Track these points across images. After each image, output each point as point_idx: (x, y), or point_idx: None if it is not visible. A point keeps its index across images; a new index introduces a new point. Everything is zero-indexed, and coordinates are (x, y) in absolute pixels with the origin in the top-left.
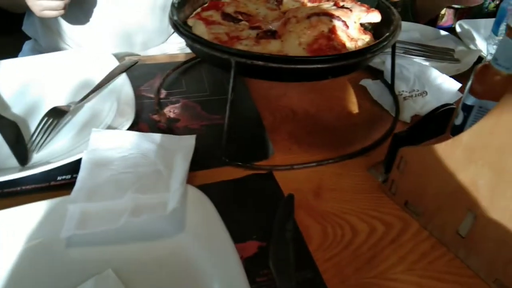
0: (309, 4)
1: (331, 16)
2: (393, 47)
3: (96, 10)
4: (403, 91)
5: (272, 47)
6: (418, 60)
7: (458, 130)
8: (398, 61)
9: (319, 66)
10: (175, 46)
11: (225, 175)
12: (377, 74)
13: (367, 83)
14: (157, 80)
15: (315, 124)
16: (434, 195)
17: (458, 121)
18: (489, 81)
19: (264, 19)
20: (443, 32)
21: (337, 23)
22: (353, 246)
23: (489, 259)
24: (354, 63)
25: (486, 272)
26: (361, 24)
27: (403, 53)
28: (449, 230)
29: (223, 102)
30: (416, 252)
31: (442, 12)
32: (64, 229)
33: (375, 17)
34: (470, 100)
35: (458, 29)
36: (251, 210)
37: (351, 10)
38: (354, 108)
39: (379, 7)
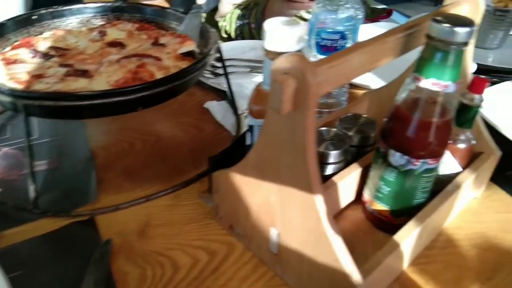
0: (136, 33)
1: (141, 56)
2: (224, 69)
3: None
4: (246, 109)
5: (78, 84)
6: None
7: (249, 150)
8: (238, 80)
9: (118, 99)
10: None
11: (40, 229)
12: (223, 95)
13: (211, 105)
14: None
15: (153, 155)
16: (246, 216)
17: (248, 141)
18: (261, 101)
19: (84, 52)
20: None
21: (147, 60)
22: (172, 284)
23: (297, 273)
24: (163, 91)
25: (298, 286)
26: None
27: (250, 71)
28: (264, 249)
29: (52, 145)
30: (237, 277)
31: None
32: None
33: (190, 46)
34: (251, 121)
35: None
36: (64, 266)
37: (165, 46)
38: (197, 132)
39: (201, 32)
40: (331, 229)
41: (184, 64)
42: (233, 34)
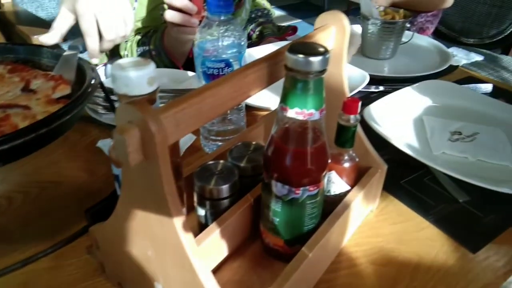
0: (7, 76)
1: (6, 107)
2: (111, 104)
3: None
4: None
5: None
6: None
7: None
8: None
9: None
10: None
11: None
12: None
13: (104, 143)
14: None
15: (35, 209)
16: (131, 272)
17: (118, 191)
18: None
19: None
20: (190, 73)
21: (13, 110)
22: None
23: None
24: (25, 143)
25: None
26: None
27: None
28: None
29: None
30: None
31: None
32: None
33: (64, 91)
34: (114, 170)
35: None
36: None
37: (36, 92)
38: (87, 177)
39: (79, 70)
40: (208, 282)
41: (55, 109)
42: None
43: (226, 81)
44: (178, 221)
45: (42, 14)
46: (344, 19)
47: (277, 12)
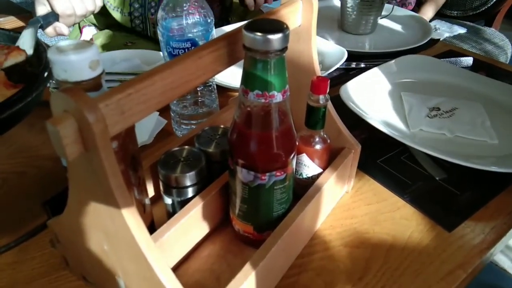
0: None
1: None
2: None
3: None
4: None
5: None
6: None
7: None
8: None
9: None
10: None
11: None
12: None
13: None
14: None
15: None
16: (92, 265)
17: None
18: None
19: None
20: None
21: None
22: None
23: None
24: None
25: None
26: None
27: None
28: None
29: None
30: None
31: None
32: None
33: (18, 57)
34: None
35: None
36: None
37: None
38: (52, 166)
39: (36, 48)
40: (165, 277)
41: (11, 93)
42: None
43: (178, 63)
44: (129, 216)
45: None
46: None
47: None
